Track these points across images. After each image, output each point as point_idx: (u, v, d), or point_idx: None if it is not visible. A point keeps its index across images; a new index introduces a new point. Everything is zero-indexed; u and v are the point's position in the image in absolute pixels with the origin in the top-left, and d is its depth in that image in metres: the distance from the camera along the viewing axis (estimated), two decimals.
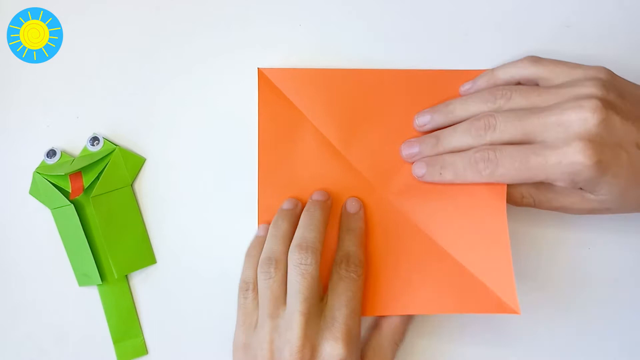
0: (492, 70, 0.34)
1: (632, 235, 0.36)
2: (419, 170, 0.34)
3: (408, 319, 0.35)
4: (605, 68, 0.31)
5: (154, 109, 0.39)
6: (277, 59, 0.38)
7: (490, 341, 0.36)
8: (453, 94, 0.36)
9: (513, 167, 0.30)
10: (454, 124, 0.33)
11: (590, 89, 0.29)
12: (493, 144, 0.31)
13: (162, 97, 0.39)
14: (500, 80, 0.34)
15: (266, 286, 0.32)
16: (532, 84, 0.33)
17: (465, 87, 0.35)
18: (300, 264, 0.31)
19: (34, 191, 0.38)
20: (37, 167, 0.38)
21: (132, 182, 0.38)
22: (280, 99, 0.37)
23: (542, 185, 0.32)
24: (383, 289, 0.34)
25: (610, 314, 0.36)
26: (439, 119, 0.34)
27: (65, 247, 0.38)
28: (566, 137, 0.29)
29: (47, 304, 0.39)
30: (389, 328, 0.34)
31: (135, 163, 0.38)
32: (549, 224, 0.36)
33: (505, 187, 0.32)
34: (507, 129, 0.30)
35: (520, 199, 0.33)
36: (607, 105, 0.29)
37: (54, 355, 0.38)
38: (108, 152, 0.38)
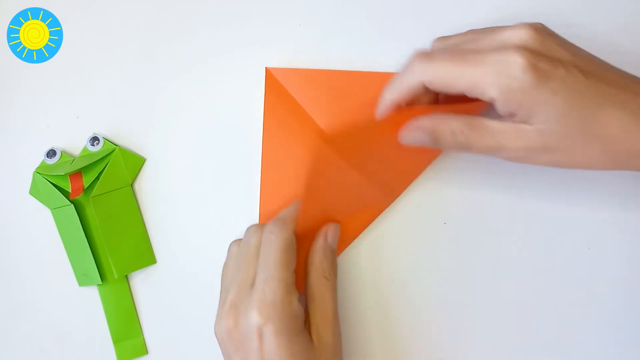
0: None
1: (632, 235, 0.36)
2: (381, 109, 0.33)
3: (327, 250, 0.34)
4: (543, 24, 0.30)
5: (154, 109, 0.39)
6: (277, 59, 0.38)
7: (491, 341, 0.36)
8: (452, 96, 0.36)
9: (449, 59, 0.28)
10: None
11: (525, 26, 0.29)
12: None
13: (162, 97, 0.39)
14: None
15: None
16: None
17: None
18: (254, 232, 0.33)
19: (34, 191, 0.38)
20: (37, 167, 0.38)
21: (132, 182, 0.38)
22: (286, 99, 0.37)
23: (474, 121, 0.29)
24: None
25: (611, 314, 0.36)
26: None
27: (65, 247, 0.38)
28: (505, 45, 0.28)
29: (47, 304, 0.39)
30: (312, 267, 0.33)
31: (135, 163, 0.38)
32: (549, 224, 0.36)
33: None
34: (448, 50, 0.30)
35: (452, 135, 0.29)
36: (544, 31, 0.28)
37: (54, 355, 0.38)
38: (108, 152, 0.38)
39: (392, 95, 0.31)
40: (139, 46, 0.39)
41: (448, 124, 0.30)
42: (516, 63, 0.27)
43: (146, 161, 0.39)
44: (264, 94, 0.37)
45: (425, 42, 0.37)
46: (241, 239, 0.34)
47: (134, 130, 0.39)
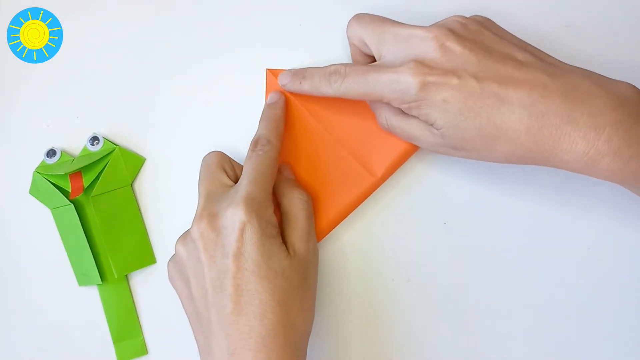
0: None
1: (632, 235, 0.36)
2: (283, 79, 0.35)
3: (289, 179, 0.36)
4: (486, 18, 0.32)
5: (154, 109, 0.39)
6: (277, 59, 0.38)
7: (491, 340, 0.36)
8: None
9: (356, 80, 0.31)
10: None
11: (449, 21, 0.31)
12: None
13: (162, 97, 0.39)
14: None
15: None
16: None
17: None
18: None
19: (34, 191, 0.38)
20: (37, 167, 0.38)
21: (132, 182, 0.38)
22: (287, 99, 0.37)
23: (399, 111, 0.32)
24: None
25: (611, 314, 0.36)
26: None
27: (65, 247, 0.38)
28: (404, 57, 0.30)
29: (47, 304, 0.39)
30: (287, 190, 0.34)
31: (135, 163, 0.38)
32: (549, 224, 0.36)
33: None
34: (361, 44, 0.33)
35: (384, 122, 0.34)
36: (452, 33, 0.30)
37: (54, 355, 0.38)
38: (108, 152, 0.38)
39: (308, 88, 0.34)
40: (139, 46, 0.39)
41: (383, 110, 0.34)
42: (406, 82, 0.29)
43: (146, 161, 0.39)
44: (265, 94, 0.37)
45: None
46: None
47: (134, 130, 0.39)
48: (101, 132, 0.39)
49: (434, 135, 0.31)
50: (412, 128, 0.32)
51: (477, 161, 0.36)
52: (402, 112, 0.32)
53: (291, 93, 0.37)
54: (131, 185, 0.38)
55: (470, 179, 0.37)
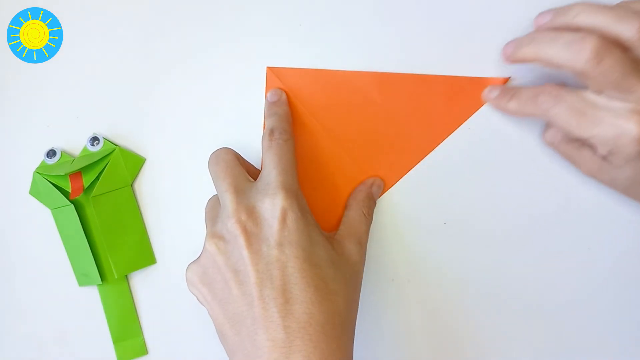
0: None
1: (632, 235, 0.36)
2: (493, 91, 0.35)
3: (370, 194, 0.36)
4: None
5: (154, 109, 0.39)
6: (278, 59, 0.38)
7: (491, 340, 0.36)
8: (453, 100, 0.36)
9: (568, 113, 0.30)
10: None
11: None
12: (580, 74, 0.30)
13: (162, 97, 0.39)
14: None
15: None
16: None
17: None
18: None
19: (34, 191, 0.38)
20: (37, 167, 0.38)
21: (132, 182, 0.38)
22: (287, 98, 0.37)
23: (574, 139, 0.32)
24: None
25: (611, 314, 0.36)
26: (559, 19, 0.32)
27: (65, 247, 0.38)
28: (633, 109, 0.29)
29: (47, 304, 0.39)
30: (354, 201, 0.35)
31: (135, 163, 0.38)
32: (549, 224, 0.36)
33: None
34: (606, 73, 0.29)
35: (551, 140, 0.34)
36: None
37: (54, 355, 0.38)
38: (108, 152, 0.38)
39: (514, 107, 0.34)
40: (139, 46, 0.39)
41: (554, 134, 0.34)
42: (630, 136, 0.28)
43: (146, 161, 0.39)
44: (265, 93, 0.37)
45: (425, 41, 0.37)
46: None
47: (134, 130, 0.39)
48: (101, 132, 0.39)
49: (603, 172, 0.32)
50: (582, 158, 0.32)
51: (477, 161, 0.36)
52: (577, 140, 0.32)
53: (290, 90, 0.37)
54: (131, 185, 0.38)
55: (471, 179, 0.37)
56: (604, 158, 0.31)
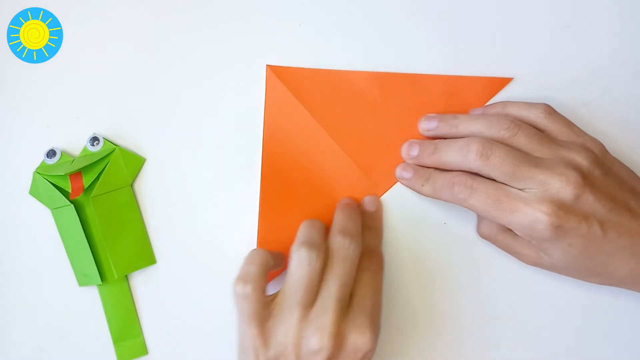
0: (506, 104, 0.35)
1: None
2: (406, 173, 0.35)
3: (379, 242, 0.36)
4: (602, 145, 0.33)
5: (154, 108, 0.39)
6: (278, 59, 0.38)
7: (491, 340, 0.36)
8: (454, 101, 0.36)
9: (484, 202, 0.31)
10: (454, 137, 0.34)
11: (582, 160, 0.31)
12: (477, 172, 0.32)
13: (162, 97, 0.39)
14: (510, 116, 0.34)
15: (303, 274, 0.31)
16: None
17: (476, 112, 0.36)
18: (343, 248, 0.32)
19: (34, 191, 0.38)
20: (37, 167, 0.38)
21: (132, 182, 0.38)
22: (287, 97, 0.37)
23: (509, 230, 0.33)
24: None
25: (611, 314, 0.36)
26: (443, 129, 0.35)
27: (65, 247, 0.38)
28: (541, 196, 0.30)
29: (47, 304, 0.39)
30: (368, 261, 0.34)
31: (135, 163, 0.38)
32: None
33: None
34: (498, 167, 0.31)
35: (487, 232, 0.35)
36: (587, 181, 0.30)
37: (54, 355, 0.38)
38: (108, 152, 0.38)
39: (429, 192, 0.34)
40: (139, 46, 0.39)
41: (486, 222, 0.35)
42: (543, 222, 0.30)
43: (146, 161, 0.39)
44: (265, 92, 0.37)
45: (425, 41, 0.37)
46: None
47: (134, 130, 0.39)
48: (101, 132, 0.39)
49: (542, 260, 0.32)
50: (519, 247, 0.33)
51: None
52: (512, 233, 0.33)
53: (289, 90, 0.37)
54: (131, 185, 0.38)
55: None
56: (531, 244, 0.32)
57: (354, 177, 0.36)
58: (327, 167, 0.37)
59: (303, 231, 0.33)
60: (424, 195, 0.35)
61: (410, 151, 0.36)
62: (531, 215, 0.30)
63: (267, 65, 0.37)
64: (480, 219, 0.35)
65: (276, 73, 0.37)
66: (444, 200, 0.33)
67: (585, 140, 0.33)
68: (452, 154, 0.33)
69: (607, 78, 0.36)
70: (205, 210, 0.38)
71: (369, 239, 0.35)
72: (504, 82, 0.36)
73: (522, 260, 0.34)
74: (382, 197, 0.37)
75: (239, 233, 0.37)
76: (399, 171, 0.36)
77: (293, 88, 0.37)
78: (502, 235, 0.34)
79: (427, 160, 0.35)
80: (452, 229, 0.37)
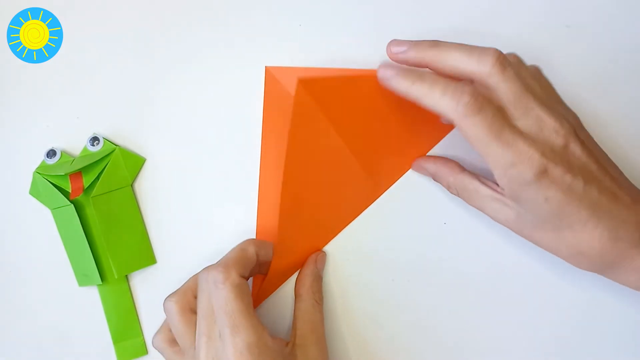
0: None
1: None
2: (390, 69, 0.30)
3: (317, 276, 0.35)
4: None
5: (154, 108, 0.39)
6: (277, 59, 0.38)
7: (491, 340, 0.36)
8: None
9: (488, 126, 0.27)
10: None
11: (572, 120, 0.30)
12: (481, 84, 0.28)
13: (162, 97, 0.39)
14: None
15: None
16: None
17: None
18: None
19: (34, 191, 0.38)
20: (37, 167, 0.38)
21: (132, 182, 0.38)
22: (286, 98, 0.37)
23: (468, 182, 0.32)
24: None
25: (611, 314, 0.36)
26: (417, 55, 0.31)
27: (65, 247, 0.38)
28: (535, 136, 0.28)
29: (47, 304, 0.39)
30: (304, 289, 0.34)
31: (135, 163, 0.38)
32: None
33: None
34: (510, 81, 0.28)
35: (447, 187, 0.34)
36: (576, 136, 0.29)
37: (54, 355, 0.38)
38: (108, 152, 0.38)
39: (418, 93, 0.29)
40: (139, 46, 0.39)
41: (446, 179, 0.34)
42: (530, 167, 0.27)
43: (146, 161, 0.39)
44: (264, 93, 0.37)
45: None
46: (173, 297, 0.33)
47: (134, 130, 0.39)
48: (101, 132, 0.39)
49: (506, 214, 0.30)
50: (482, 202, 0.32)
51: (478, 161, 0.36)
52: (474, 186, 0.32)
53: (289, 90, 0.36)
54: (131, 185, 0.38)
55: None
56: (501, 193, 0.30)
57: (355, 172, 0.36)
58: (328, 164, 0.36)
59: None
60: (410, 96, 0.29)
61: (400, 45, 0.31)
62: (522, 149, 0.27)
63: (266, 66, 0.37)
64: (442, 179, 0.34)
65: (275, 74, 0.37)
66: (436, 111, 0.28)
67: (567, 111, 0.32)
68: (459, 55, 0.29)
69: (607, 78, 0.36)
70: (205, 210, 0.38)
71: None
72: None
73: (489, 216, 0.32)
74: (382, 197, 0.37)
75: (239, 232, 0.37)
76: (382, 69, 0.30)
77: (291, 88, 0.37)
78: (463, 192, 0.33)
79: (423, 55, 0.30)
80: (452, 229, 0.37)
